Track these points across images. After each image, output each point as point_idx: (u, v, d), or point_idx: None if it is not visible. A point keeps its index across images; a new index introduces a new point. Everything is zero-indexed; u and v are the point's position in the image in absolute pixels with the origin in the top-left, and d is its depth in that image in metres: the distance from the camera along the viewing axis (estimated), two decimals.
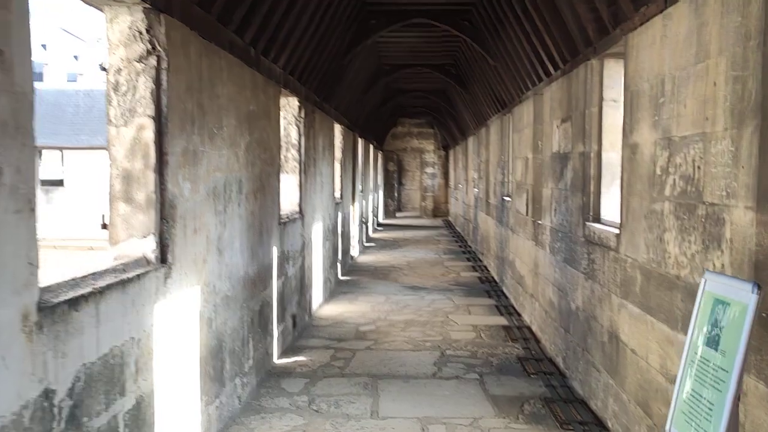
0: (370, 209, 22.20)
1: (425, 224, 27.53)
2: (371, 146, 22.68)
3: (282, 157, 8.90)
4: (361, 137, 18.71)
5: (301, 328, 8.99)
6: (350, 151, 15.81)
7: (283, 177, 8.82)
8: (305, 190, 9.25)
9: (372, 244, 19.66)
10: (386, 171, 30.70)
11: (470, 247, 18.86)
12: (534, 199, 9.05)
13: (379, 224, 26.29)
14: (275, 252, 7.37)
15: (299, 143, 9.00)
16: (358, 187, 17.82)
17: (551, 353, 7.72)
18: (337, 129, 13.72)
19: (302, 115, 9.00)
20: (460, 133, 22.22)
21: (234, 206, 5.72)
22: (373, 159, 24.11)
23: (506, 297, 11.42)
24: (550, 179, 7.81)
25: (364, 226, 19.29)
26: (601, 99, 6.06)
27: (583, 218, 6.31)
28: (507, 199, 11.78)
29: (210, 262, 5.04)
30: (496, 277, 13.19)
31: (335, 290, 12.07)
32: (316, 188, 10.33)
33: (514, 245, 10.74)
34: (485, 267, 14.92)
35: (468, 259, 16.41)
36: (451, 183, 28.38)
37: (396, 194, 31.68)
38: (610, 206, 6.05)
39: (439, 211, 31.25)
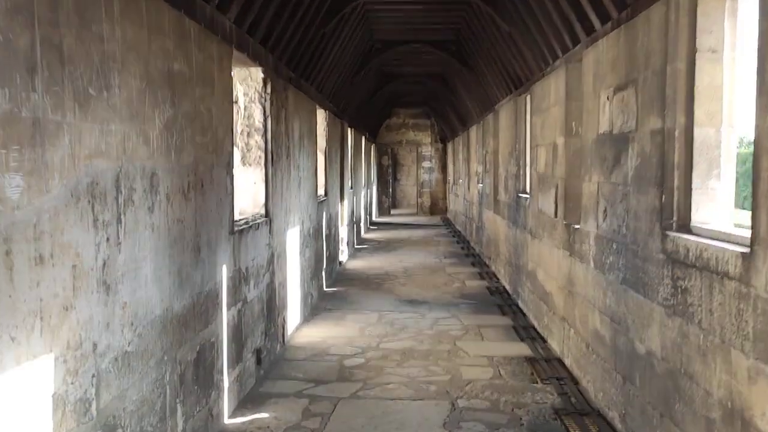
0: (362, 207, 20.21)
1: (422, 222, 25.55)
2: (363, 138, 20.70)
3: (241, 144, 6.90)
4: (351, 127, 16.71)
5: (271, 363, 7.01)
6: (338, 142, 13.81)
7: (242, 170, 6.83)
8: (274, 187, 7.27)
9: (364, 246, 17.66)
10: (380, 165, 28.69)
11: (473, 249, 16.88)
12: (567, 196, 7.08)
13: (372, 223, 24.30)
14: (224, 272, 5.38)
15: (265, 127, 7.00)
16: (348, 183, 15.83)
17: (599, 403, 5.75)
18: (321, 115, 11.71)
19: (268, 90, 7.00)
20: (461, 122, 20.23)
21: (141, 213, 3.73)
22: (366, 152, 22.11)
23: (524, 315, 9.46)
24: (596, 170, 5.84)
25: (354, 226, 17.30)
26: (692, 49, 4.09)
27: (661, 225, 4.34)
28: (524, 196, 9.81)
29: (82, 309, 3.05)
30: (508, 288, 11.22)
31: (318, 306, 10.08)
32: (292, 184, 8.34)
33: (536, 253, 8.77)
34: (493, 274, 12.95)
35: (473, 264, 14.43)
36: (450, 178, 26.41)
37: (390, 190, 29.68)
38: (709, 209, 4.08)
39: (436, 208, 29.28)
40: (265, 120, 6.98)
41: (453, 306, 10.13)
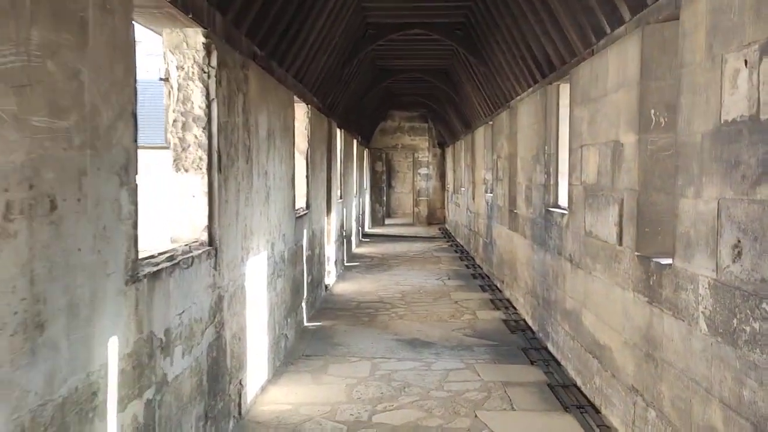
0: (354, 218, 18.05)
1: (419, 234, 23.40)
2: (355, 141, 18.58)
3: (173, 139, 4.76)
4: (341, 128, 14.58)
5: None
6: (324, 144, 11.68)
7: (175, 178, 4.70)
8: (224, 202, 5.12)
9: (355, 264, 15.49)
10: (373, 171, 26.56)
11: (480, 268, 14.74)
12: (641, 216, 4.95)
13: (365, 235, 22.15)
14: (113, 349, 3.21)
15: (209, 115, 4.86)
16: (337, 192, 13.69)
17: None
18: (301, 110, 9.58)
19: (214, 64, 4.85)
20: (464, 124, 18.13)
21: None
22: (358, 157, 19.97)
23: (558, 363, 7.32)
24: (715, 180, 3.71)
25: (344, 241, 15.15)
26: None
27: None
28: (557, 211, 7.69)
29: None
30: (531, 323, 9.09)
31: (295, 350, 7.92)
32: (255, 197, 6.19)
33: (579, 288, 6.64)
34: (509, 302, 10.81)
35: (482, 288, 12.27)
36: (450, 186, 24.30)
37: (385, 198, 27.54)
38: None
39: (434, 217, 27.14)
40: (208, 105, 4.84)
41: (466, 349, 7.98)
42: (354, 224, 18.14)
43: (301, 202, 9.43)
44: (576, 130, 6.78)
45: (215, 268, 4.88)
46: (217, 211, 4.92)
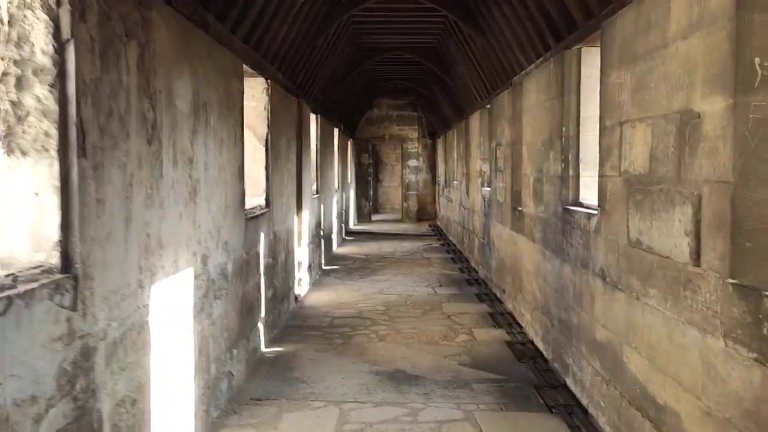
0: (335, 216, 16.26)
1: (408, 231, 21.64)
2: (336, 131, 16.79)
3: (5, 104, 2.96)
4: (317, 114, 12.81)
5: None
6: (293, 129, 9.89)
7: (8, 164, 2.89)
8: (93, 202, 3.32)
9: (335, 267, 13.72)
10: (359, 164, 24.74)
11: (476, 272, 13.00)
12: (740, 224, 3.19)
13: (349, 232, 20.38)
14: None
15: (61, 65, 3.06)
16: (311, 186, 11.91)
17: None
18: (257, 85, 7.81)
19: None
20: (456, 111, 16.37)
21: None
22: (341, 148, 18.16)
23: (583, 409, 5.59)
24: None
25: (322, 242, 13.37)
26: None
27: None
28: (582, 211, 5.94)
29: None
30: (543, 348, 7.34)
31: (242, 393, 6.13)
32: (165, 194, 4.38)
33: (619, 316, 4.88)
34: (512, 317, 9.06)
35: (479, 298, 10.52)
36: (441, 179, 22.54)
37: (371, 192, 25.73)
38: None
39: (424, 213, 25.38)
40: (59, 50, 3.05)
41: (463, 387, 6.23)
42: (335, 222, 16.36)
43: (257, 200, 7.64)
44: (611, 103, 5.02)
45: (74, 308, 3.09)
46: (78, 217, 3.13)
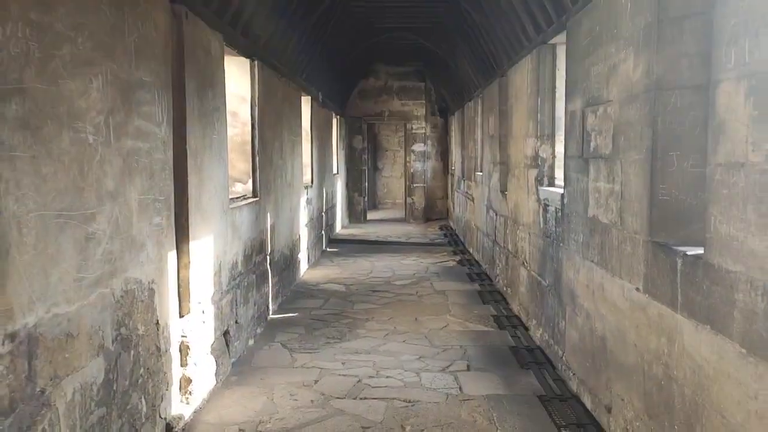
0: (306, 222, 10.91)
1: (413, 237, 16.35)
2: (310, 99, 11.52)
3: None
4: (263, 61, 7.50)
5: None
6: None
7: None
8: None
9: (291, 315, 8.41)
10: (350, 148, 19.43)
11: (524, 326, 7.72)
12: None
13: (332, 240, 15.11)
14: None
15: None
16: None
17: None
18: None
19: None
20: (484, 70, 11.02)
21: None
22: (319, 126, 12.79)
23: None
24: None
25: (271, 273, 8.08)
26: None
27: None
28: None
29: None
30: None
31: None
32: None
33: None
34: None
35: (551, 416, 5.25)
36: (455, 168, 17.26)
37: (367, 185, 20.34)
38: None
39: (433, 211, 20.10)
40: None
41: None
42: (306, 231, 11.07)
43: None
44: None
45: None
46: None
